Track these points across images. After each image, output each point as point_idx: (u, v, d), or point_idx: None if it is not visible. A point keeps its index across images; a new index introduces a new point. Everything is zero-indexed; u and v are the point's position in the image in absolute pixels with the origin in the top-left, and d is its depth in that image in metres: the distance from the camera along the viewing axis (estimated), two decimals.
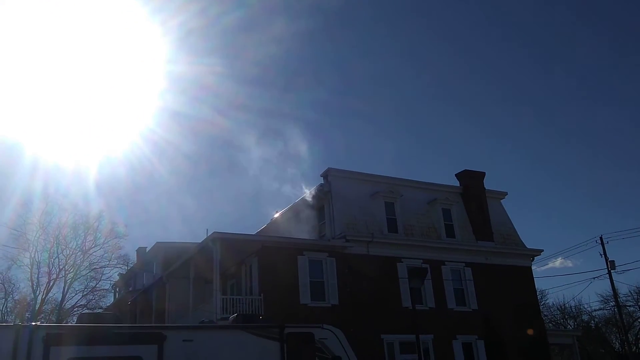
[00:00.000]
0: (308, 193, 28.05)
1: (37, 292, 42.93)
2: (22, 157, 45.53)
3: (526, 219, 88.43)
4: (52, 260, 43.05)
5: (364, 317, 23.87)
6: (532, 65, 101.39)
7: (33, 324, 11.67)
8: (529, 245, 31.19)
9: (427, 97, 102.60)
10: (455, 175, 31.68)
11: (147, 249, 39.36)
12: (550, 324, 45.68)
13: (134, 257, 44.22)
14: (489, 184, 31.66)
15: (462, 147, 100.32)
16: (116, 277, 45.42)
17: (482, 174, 31.62)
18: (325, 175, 27.59)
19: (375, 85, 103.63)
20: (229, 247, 23.84)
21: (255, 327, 13.26)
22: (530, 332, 27.44)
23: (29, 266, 42.57)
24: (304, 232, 28.30)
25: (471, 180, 31.03)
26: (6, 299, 44.36)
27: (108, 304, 44.80)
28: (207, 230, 26.96)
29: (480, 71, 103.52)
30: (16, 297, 44.49)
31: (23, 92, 51.63)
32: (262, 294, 23.12)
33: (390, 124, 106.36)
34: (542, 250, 31.19)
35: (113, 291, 46.82)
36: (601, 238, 37.44)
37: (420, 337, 18.21)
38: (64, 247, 43.54)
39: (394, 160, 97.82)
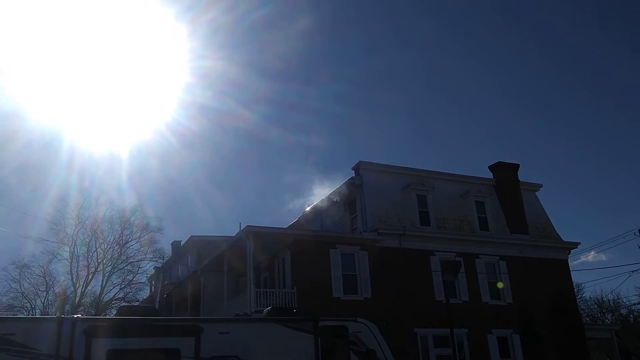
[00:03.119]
0: (339, 186, 28.07)
1: (77, 285, 44.12)
2: (58, 152, 46.83)
3: (561, 212, 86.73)
4: (91, 254, 44.18)
5: (396, 310, 23.81)
6: (566, 55, 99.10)
7: (75, 316, 11.97)
8: (565, 238, 30.62)
9: (456, 89, 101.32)
10: (489, 167, 31.29)
11: (182, 243, 40.03)
12: (587, 318, 44.71)
13: (168, 250, 45.04)
14: (523, 176, 31.19)
15: (494, 139, 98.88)
16: (152, 271, 46.31)
17: (517, 166, 31.13)
18: (356, 169, 27.55)
19: (400, 77, 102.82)
20: (262, 240, 24.07)
21: (289, 320, 13.36)
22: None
23: (69, 260, 43.75)
24: (335, 225, 28.35)
25: (505, 172, 30.59)
26: (47, 292, 45.67)
27: (144, 297, 45.76)
28: (239, 224, 27.33)
29: (512, 62, 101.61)
30: (56, 290, 45.80)
31: (57, 89, 53.00)
32: (295, 287, 23.29)
33: (417, 117, 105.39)
34: (579, 243, 30.58)
35: (149, 284, 47.77)
36: None
37: (454, 331, 18.10)
38: (102, 241, 44.65)
39: (422, 154, 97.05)
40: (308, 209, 31.77)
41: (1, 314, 39.75)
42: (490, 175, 30.98)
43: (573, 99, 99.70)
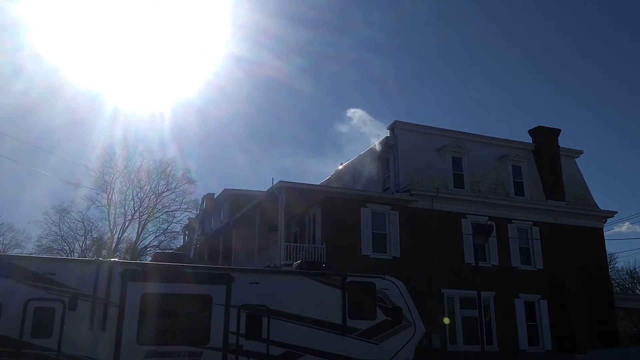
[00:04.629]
0: (373, 145, 27.92)
1: (114, 231, 45.61)
2: (103, 107, 47.98)
3: (600, 180, 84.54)
4: (128, 202, 45.54)
5: (425, 270, 23.92)
6: (608, 23, 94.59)
7: (112, 259, 12.38)
8: (602, 207, 29.98)
9: (496, 47, 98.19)
10: (528, 131, 30.60)
11: (215, 195, 40.73)
12: (617, 288, 44.19)
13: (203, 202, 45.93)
14: (562, 142, 30.41)
15: (534, 103, 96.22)
16: (186, 221, 47.44)
17: (557, 131, 30.32)
18: (391, 128, 27.31)
19: (438, 27, 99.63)
20: (294, 196, 24.26)
21: (318, 274, 13.56)
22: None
23: (107, 207, 45.19)
24: (367, 184, 28.34)
25: (545, 137, 29.85)
26: (85, 237, 47.44)
27: (178, 246, 47.01)
28: (272, 179, 27.52)
29: (556, 27, 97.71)
30: (94, 235, 47.50)
31: (102, 47, 53.70)
32: (324, 243, 23.54)
33: (454, 71, 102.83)
34: (616, 212, 29.92)
35: (183, 234, 49.00)
36: None
37: (481, 293, 18.12)
38: (139, 190, 45.87)
39: (459, 115, 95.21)
40: (341, 167, 31.78)
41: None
42: (528, 139, 30.33)
43: (613, 65, 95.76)
